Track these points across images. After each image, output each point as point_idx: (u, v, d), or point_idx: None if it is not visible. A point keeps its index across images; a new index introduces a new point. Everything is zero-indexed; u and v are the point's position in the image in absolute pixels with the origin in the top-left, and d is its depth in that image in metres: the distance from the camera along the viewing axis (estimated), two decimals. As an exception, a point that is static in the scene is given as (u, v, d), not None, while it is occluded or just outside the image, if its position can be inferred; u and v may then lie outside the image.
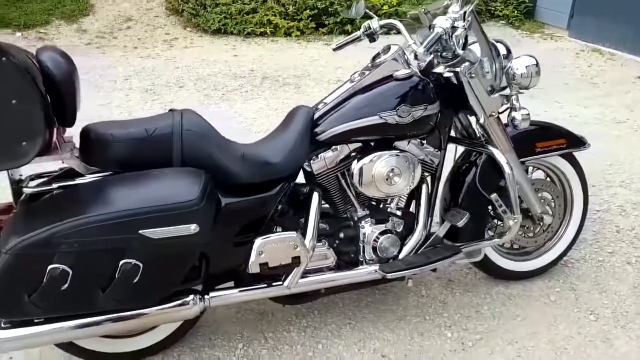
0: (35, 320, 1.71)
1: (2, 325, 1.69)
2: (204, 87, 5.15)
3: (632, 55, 6.17)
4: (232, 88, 5.14)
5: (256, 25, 6.89)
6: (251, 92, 5.06)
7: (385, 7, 7.07)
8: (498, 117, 2.14)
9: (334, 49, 2.38)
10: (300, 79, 5.41)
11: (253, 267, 1.90)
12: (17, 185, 1.75)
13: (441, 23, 1.90)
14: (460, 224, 2.17)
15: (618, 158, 3.80)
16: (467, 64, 2.01)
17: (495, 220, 2.40)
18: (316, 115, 2.03)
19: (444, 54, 2.04)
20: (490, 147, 2.15)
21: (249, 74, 5.52)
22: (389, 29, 2.26)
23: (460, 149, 2.35)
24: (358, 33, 2.28)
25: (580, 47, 6.65)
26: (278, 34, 6.89)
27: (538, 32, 7.32)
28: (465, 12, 1.89)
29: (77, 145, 1.78)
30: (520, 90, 2.10)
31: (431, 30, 1.90)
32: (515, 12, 7.65)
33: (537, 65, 2.06)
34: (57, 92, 1.61)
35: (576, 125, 4.30)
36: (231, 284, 2.01)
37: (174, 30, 6.97)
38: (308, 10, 6.96)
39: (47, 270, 1.55)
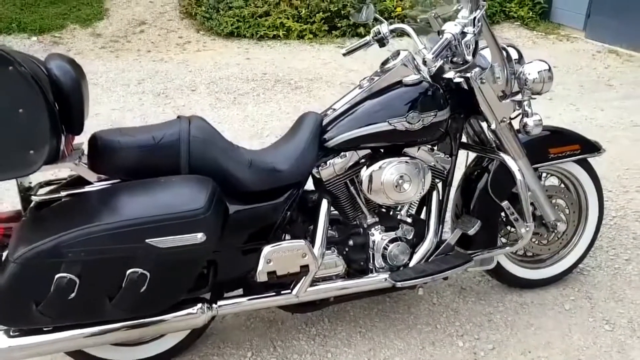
0: (44, 329, 1.71)
1: (11, 333, 1.69)
2: (216, 91, 5.15)
3: (651, 56, 6.07)
4: (244, 91, 5.14)
5: (269, 29, 6.88)
6: (263, 95, 5.06)
7: (398, 9, 7.03)
8: (510, 123, 2.11)
9: (344, 54, 2.36)
10: (312, 82, 5.39)
11: (261, 276, 1.89)
12: (25, 193, 1.75)
13: (450, 29, 1.87)
14: (472, 232, 2.13)
15: (635, 162, 3.72)
16: (477, 69, 1.98)
17: (509, 228, 2.36)
18: (325, 122, 2.02)
19: (454, 59, 2.01)
20: (501, 154, 2.12)
21: (261, 77, 5.52)
22: (399, 34, 2.24)
23: (472, 155, 2.32)
24: (368, 38, 2.27)
25: (597, 49, 6.55)
26: (291, 37, 6.88)
27: (554, 34, 7.22)
28: (475, 18, 1.86)
29: (86, 152, 1.78)
30: (533, 96, 2.06)
31: (440, 36, 1.87)
32: (531, 13, 7.56)
33: (549, 70, 2.03)
34: (65, 101, 1.60)
35: (593, 128, 4.24)
36: (239, 292, 2.01)
37: (187, 33, 6.99)
38: (321, 13, 6.93)
39: (55, 279, 1.55)
